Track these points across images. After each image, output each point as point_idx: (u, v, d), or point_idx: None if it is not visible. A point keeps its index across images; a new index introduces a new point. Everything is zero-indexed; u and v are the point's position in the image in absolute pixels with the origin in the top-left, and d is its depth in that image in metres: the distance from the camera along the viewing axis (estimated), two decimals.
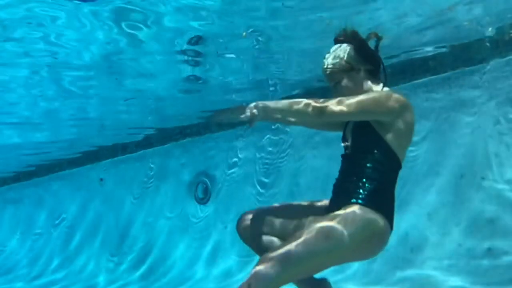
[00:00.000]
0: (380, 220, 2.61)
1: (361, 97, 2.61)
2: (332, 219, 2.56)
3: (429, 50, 5.85)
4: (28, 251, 12.15)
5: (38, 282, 10.45)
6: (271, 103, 2.61)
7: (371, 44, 2.81)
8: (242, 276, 7.30)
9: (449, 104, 5.75)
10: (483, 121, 5.58)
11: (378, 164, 2.65)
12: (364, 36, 2.81)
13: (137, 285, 8.54)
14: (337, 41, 2.84)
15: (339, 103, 2.58)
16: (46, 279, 10.42)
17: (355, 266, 5.88)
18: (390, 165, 2.70)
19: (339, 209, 2.62)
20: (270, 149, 7.72)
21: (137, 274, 8.92)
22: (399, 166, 2.73)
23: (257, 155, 7.83)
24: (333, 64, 2.76)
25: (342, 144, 2.88)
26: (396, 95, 2.66)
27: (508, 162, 5.38)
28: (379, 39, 2.81)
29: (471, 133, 5.65)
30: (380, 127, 2.65)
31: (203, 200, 8.56)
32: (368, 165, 2.66)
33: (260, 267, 2.45)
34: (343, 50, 2.77)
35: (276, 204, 3.03)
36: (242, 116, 2.59)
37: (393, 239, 2.79)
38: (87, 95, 7.02)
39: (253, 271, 2.46)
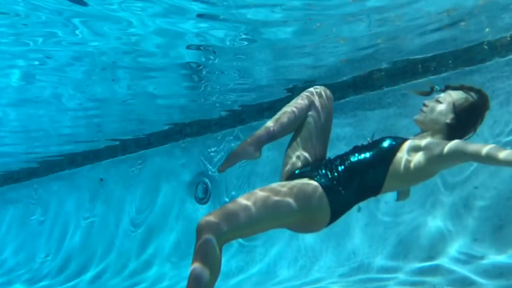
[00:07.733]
0: (325, 211, 2.78)
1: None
2: (294, 186, 2.78)
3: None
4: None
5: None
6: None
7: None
8: (241, 276, 7.32)
9: None
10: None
11: (363, 179, 2.82)
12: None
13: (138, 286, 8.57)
14: (464, 88, 2.95)
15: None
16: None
17: None
18: (371, 188, 2.87)
19: (309, 178, 2.84)
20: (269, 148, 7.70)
21: (137, 273, 8.94)
22: (375, 194, 2.90)
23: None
24: (454, 97, 2.91)
25: (363, 143, 3.00)
26: None
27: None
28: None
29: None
30: (395, 170, 2.80)
31: (203, 200, 8.55)
32: (358, 172, 2.83)
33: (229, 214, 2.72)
34: (466, 100, 2.91)
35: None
36: None
37: None
38: None
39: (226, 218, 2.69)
